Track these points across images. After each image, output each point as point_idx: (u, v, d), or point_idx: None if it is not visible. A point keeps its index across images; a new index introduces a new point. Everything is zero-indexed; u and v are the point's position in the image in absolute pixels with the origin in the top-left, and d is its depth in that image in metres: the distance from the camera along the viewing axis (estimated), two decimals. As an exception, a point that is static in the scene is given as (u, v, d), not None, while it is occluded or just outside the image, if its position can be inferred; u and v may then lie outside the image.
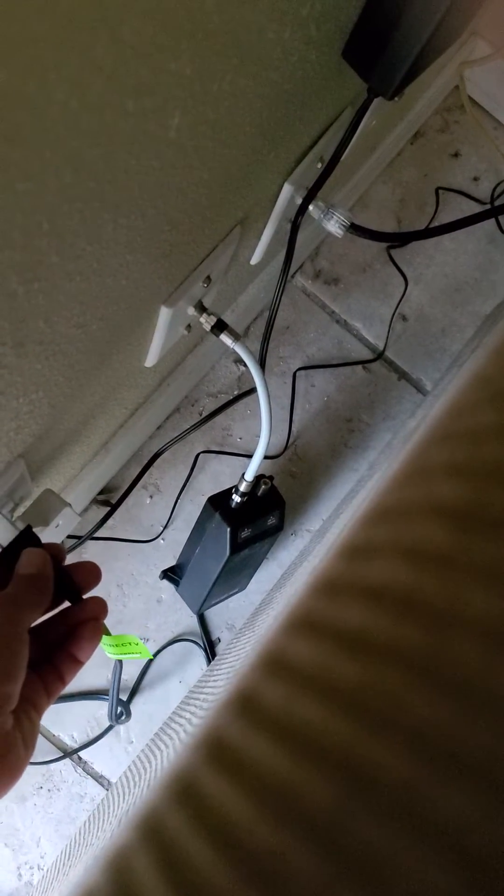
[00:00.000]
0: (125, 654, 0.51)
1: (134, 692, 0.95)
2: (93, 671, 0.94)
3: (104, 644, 0.50)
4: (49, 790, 0.93)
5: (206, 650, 0.97)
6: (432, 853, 0.10)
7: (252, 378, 0.80)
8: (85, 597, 0.47)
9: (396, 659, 0.11)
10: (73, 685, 0.93)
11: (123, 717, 0.90)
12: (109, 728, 0.93)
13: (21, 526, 0.49)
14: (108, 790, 0.93)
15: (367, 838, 0.10)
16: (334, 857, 0.10)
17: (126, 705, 0.90)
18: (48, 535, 0.61)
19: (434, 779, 0.10)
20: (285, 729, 0.12)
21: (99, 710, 0.94)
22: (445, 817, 0.10)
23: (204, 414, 1.02)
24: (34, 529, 0.56)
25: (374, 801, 0.10)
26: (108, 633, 0.49)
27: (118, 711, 0.75)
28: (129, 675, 0.96)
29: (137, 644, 0.50)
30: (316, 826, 0.11)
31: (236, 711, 0.13)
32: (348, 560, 0.14)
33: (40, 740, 0.93)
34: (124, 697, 0.93)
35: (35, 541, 0.48)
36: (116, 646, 0.51)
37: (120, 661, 0.57)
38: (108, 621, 0.49)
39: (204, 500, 0.80)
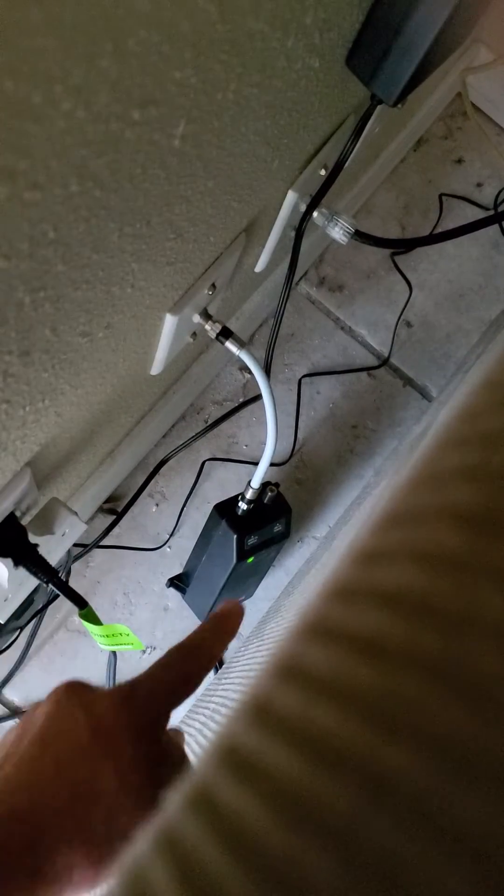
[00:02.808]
0: (117, 644, 0.51)
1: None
2: (92, 671, 0.94)
3: (95, 635, 0.50)
4: (57, 800, 0.93)
5: (213, 658, 0.97)
6: (451, 859, 0.10)
7: (257, 385, 0.81)
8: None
9: (413, 664, 0.11)
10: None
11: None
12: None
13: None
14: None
15: (385, 844, 0.10)
16: (352, 863, 0.10)
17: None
18: (55, 543, 0.61)
19: (453, 784, 0.10)
20: (301, 735, 0.12)
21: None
22: (465, 823, 0.10)
23: (209, 421, 1.02)
24: (41, 538, 0.57)
25: (392, 807, 0.10)
26: (99, 623, 0.49)
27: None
28: (137, 683, 0.95)
29: (128, 635, 0.50)
30: (333, 832, 0.10)
31: (250, 719, 0.13)
32: (361, 565, 0.14)
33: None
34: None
35: (19, 529, 0.49)
36: (108, 636, 0.50)
37: (114, 653, 0.57)
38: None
39: (210, 507, 0.80)
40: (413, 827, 0.10)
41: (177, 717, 0.93)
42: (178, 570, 0.97)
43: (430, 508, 0.13)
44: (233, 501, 0.78)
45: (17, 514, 0.57)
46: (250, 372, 1.04)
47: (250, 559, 0.80)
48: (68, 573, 0.86)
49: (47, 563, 0.54)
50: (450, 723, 0.10)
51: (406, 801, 0.10)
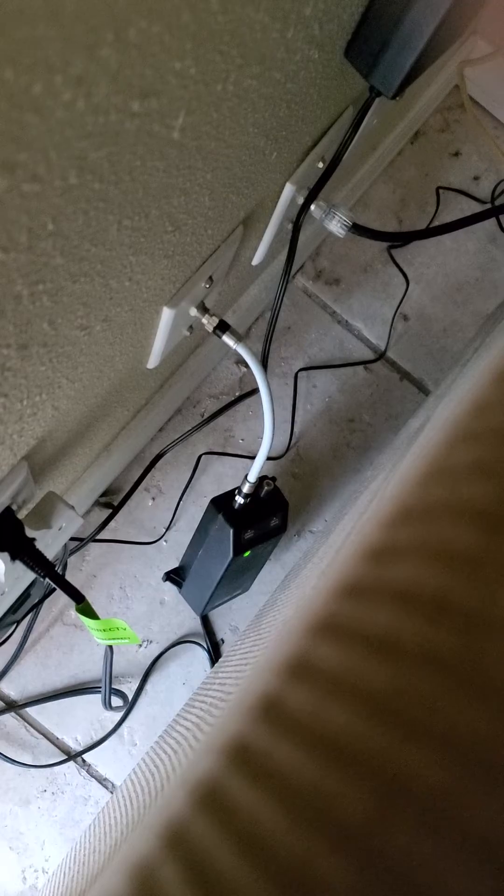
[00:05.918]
0: (114, 638, 0.51)
1: (137, 694, 0.95)
2: (88, 665, 0.94)
3: (92, 629, 0.50)
4: (53, 793, 0.93)
5: (209, 652, 0.97)
6: (469, 862, 0.10)
7: (253, 379, 0.80)
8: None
9: (428, 662, 0.11)
10: (70, 680, 0.93)
11: (120, 705, 0.90)
12: (112, 731, 0.93)
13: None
14: (112, 793, 0.93)
15: (400, 847, 0.10)
16: (367, 866, 0.10)
17: (122, 693, 0.90)
18: (51, 537, 0.61)
19: (469, 785, 0.10)
20: (314, 734, 0.12)
21: (103, 713, 0.93)
22: (482, 825, 0.10)
23: (206, 415, 1.02)
24: (38, 532, 0.56)
25: (407, 808, 0.10)
26: (96, 617, 0.49)
27: (112, 699, 0.74)
28: (133, 675, 0.95)
29: (125, 629, 0.50)
30: (348, 834, 0.10)
31: (260, 716, 0.13)
32: (372, 562, 0.14)
33: (45, 743, 0.92)
34: (129, 695, 0.93)
35: (16, 524, 0.49)
36: (105, 630, 0.50)
37: (110, 647, 0.57)
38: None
39: (206, 501, 0.80)
40: (429, 829, 0.10)
41: (172, 713, 0.93)
42: (174, 564, 0.97)
43: (442, 504, 0.13)
44: (229, 496, 0.78)
45: (14, 507, 0.56)
46: (247, 366, 1.04)
47: (247, 553, 0.80)
48: (65, 567, 0.86)
49: (44, 558, 0.54)
50: (467, 722, 0.10)
51: (423, 802, 0.10)
